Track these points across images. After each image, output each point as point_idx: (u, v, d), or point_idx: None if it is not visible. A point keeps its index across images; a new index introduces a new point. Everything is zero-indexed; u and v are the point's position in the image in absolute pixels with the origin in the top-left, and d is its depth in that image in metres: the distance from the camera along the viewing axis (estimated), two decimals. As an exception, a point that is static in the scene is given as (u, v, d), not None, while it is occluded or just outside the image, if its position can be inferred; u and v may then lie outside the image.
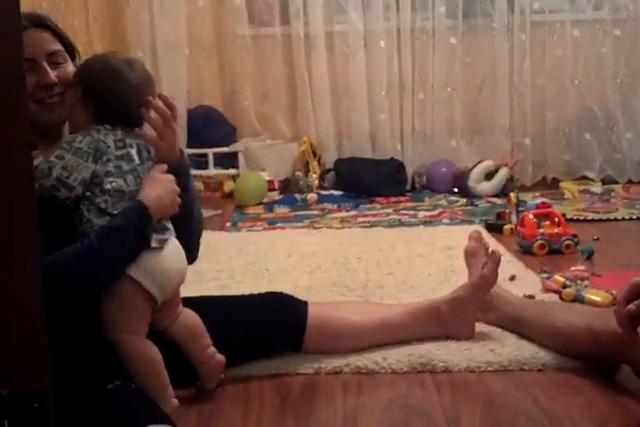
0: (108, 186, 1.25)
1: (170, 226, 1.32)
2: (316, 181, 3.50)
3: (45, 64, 1.29)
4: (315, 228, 2.85)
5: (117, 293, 1.24)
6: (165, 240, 1.28)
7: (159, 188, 1.28)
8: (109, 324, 1.25)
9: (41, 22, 1.31)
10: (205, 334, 1.35)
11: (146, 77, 1.33)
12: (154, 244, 1.26)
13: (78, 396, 1.15)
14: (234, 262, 2.30)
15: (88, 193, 1.24)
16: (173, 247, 1.31)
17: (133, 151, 1.30)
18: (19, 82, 0.79)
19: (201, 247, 1.51)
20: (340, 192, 3.41)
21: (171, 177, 1.32)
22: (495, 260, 1.57)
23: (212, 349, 1.35)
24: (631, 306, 1.17)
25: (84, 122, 1.30)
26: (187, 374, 1.36)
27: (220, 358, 1.36)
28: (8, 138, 0.77)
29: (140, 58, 3.47)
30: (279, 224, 2.93)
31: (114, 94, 1.29)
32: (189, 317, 1.36)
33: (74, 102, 1.31)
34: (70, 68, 1.34)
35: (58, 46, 1.33)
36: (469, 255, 1.68)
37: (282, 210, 3.22)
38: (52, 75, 1.29)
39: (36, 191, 1.18)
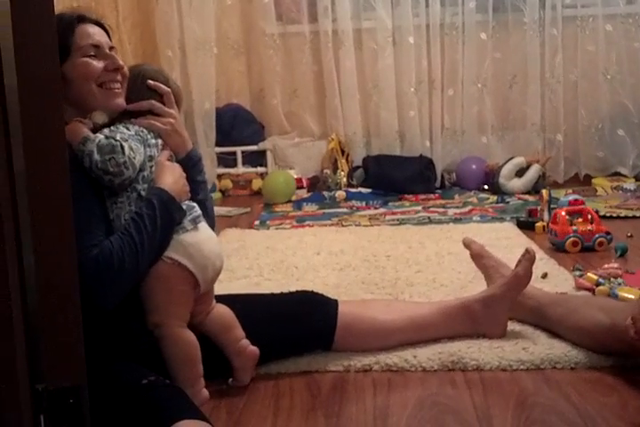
0: (147, 173, 1.29)
1: (197, 208, 1.35)
2: (345, 179, 3.49)
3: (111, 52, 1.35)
4: (343, 225, 2.85)
5: (162, 277, 1.27)
6: (197, 218, 1.32)
7: (170, 174, 1.31)
8: (153, 308, 1.27)
9: (101, 23, 1.38)
10: (238, 326, 1.37)
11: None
12: (188, 225, 1.29)
13: (114, 391, 1.17)
14: (263, 260, 2.31)
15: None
16: (207, 231, 1.34)
17: (160, 141, 1.36)
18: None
19: (230, 245, 1.52)
20: (368, 190, 3.41)
21: (176, 164, 1.36)
22: (530, 259, 1.56)
23: (246, 340, 1.37)
24: None
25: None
26: (218, 371, 1.37)
27: (254, 349, 1.37)
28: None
29: (169, 57, 3.53)
30: (307, 222, 2.93)
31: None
32: (222, 310, 1.38)
33: None
34: (122, 60, 1.39)
35: (114, 45, 1.39)
36: (478, 258, 1.69)
37: (310, 208, 3.22)
38: (120, 61, 1.34)
39: (104, 165, 1.23)
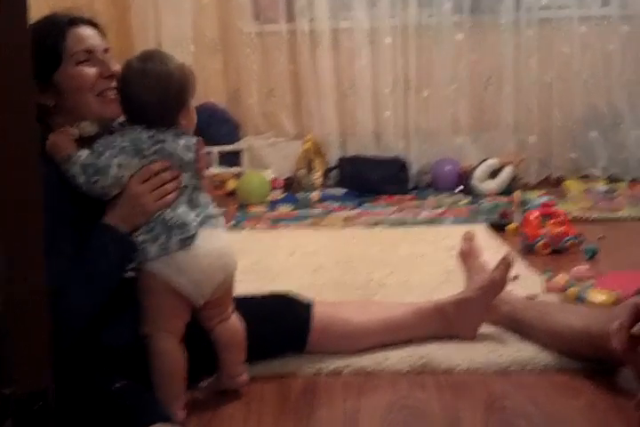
0: None
1: (216, 218, 1.28)
2: (320, 179, 3.49)
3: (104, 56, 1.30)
4: (317, 226, 2.85)
5: (151, 291, 1.25)
6: (188, 238, 1.23)
7: (128, 207, 1.24)
8: (144, 318, 1.26)
9: (94, 23, 1.33)
10: (244, 349, 1.36)
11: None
12: (174, 246, 1.22)
13: (85, 396, 1.16)
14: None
15: None
16: (215, 242, 1.26)
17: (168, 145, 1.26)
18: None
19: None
20: (343, 190, 3.41)
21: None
22: (507, 264, 1.57)
23: (243, 367, 1.36)
24: (637, 328, 1.13)
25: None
26: (190, 376, 1.36)
27: (245, 379, 1.37)
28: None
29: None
30: (282, 223, 2.93)
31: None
32: (236, 327, 1.35)
33: None
34: (119, 66, 1.32)
35: (109, 45, 1.34)
36: (464, 256, 1.68)
37: (285, 208, 3.21)
38: (115, 66, 1.29)
39: (89, 187, 1.20)
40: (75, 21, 1.29)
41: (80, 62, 1.25)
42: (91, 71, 1.26)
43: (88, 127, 1.27)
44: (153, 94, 1.23)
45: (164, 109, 1.25)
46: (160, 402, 1.21)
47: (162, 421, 1.12)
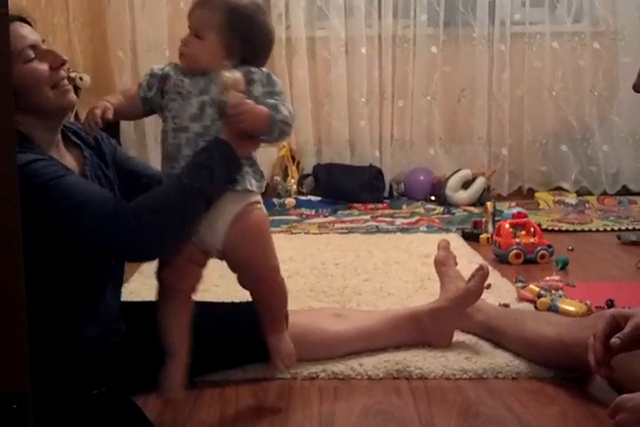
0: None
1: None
2: (295, 187, 3.49)
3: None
4: (292, 233, 2.85)
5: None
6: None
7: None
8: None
9: (23, 18, 1.31)
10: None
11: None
12: (259, 189, 1.27)
13: (64, 401, 1.14)
14: (211, 267, 2.26)
15: None
16: None
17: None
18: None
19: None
20: (318, 198, 3.41)
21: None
22: (483, 275, 1.59)
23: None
24: (615, 340, 1.12)
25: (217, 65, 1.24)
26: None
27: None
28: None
29: (120, 58, 3.46)
30: (256, 228, 2.91)
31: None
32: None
33: (214, 47, 1.25)
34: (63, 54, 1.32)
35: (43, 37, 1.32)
36: (440, 264, 1.70)
37: (259, 214, 3.20)
38: (60, 54, 1.28)
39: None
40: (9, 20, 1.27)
41: (29, 60, 1.24)
42: (42, 66, 1.25)
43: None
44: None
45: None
46: (140, 409, 1.20)
47: None
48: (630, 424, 0.98)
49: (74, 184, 1.18)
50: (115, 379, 1.24)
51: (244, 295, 1.60)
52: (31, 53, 1.24)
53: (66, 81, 1.29)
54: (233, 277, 1.33)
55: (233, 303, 1.54)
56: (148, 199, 1.20)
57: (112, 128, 1.96)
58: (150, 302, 1.50)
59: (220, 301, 1.59)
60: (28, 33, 1.26)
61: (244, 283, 1.32)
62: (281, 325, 1.35)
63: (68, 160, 1.33)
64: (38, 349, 0.95)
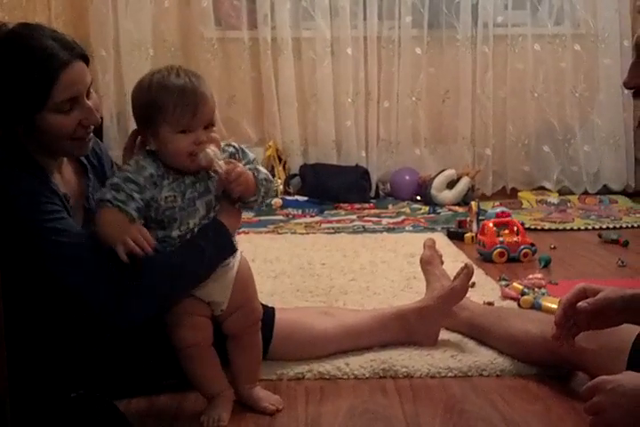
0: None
1: None
2: (281, 187, 3.50)
3: (87, 100, 1.23)
4: (279, 233, 2.86)
5: None
6: None
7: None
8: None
9: (83, 53, 1.25)
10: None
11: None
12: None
13: (42, 403, 1.14)
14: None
15: None
16: None
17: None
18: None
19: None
20: (304, 198, 3.42)
21: None
22: (468, 274, 1.61)
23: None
24: (583, 303, 1.17)
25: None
26: (150, 383, 1.35)
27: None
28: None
29: (102, 57, 3.44)
30: (243, 229, 2.92)
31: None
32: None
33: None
34: (94, 94, 1.27)
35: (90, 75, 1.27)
36: (425, 263, 1.72)
37: (246, 215, 3.20)
38: (96, 114, 1.24)
39: None
40: (68, 62, 1.20)
41: (62, 112, 1.20)
42: (72, 121, 1.21)
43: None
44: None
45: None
46: (120, 412, 1.20)
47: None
48: (606, 407, 0.98)
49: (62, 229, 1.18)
50: (94, 381, 1.24)
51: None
52: (67, 106, 1.20)
53: (89, 136, 1.25)
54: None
55: None
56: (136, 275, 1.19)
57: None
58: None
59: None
60: (77, 81, 1.20)
61: (229, 328, 1.33)
62: (257, 374, 1.38)
63: (72, 183, 1.32)
64: (16, 352, 0.95)
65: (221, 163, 1.21)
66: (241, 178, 1.23)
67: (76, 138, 1.24)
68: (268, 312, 1.51)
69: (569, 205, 3.34)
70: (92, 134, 1.27)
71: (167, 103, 1.17)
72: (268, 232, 2.87)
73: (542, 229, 2.86)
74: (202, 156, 1.20)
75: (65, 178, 1.31)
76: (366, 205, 3.38)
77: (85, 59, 1.25)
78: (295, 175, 3.58)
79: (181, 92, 1.17)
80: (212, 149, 1.21)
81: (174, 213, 1.22)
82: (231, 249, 1.29)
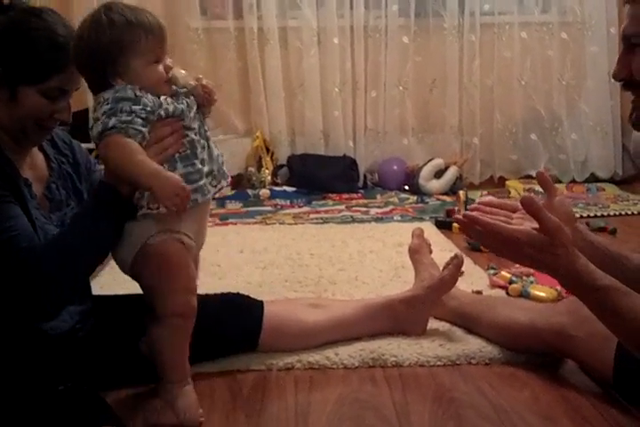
0: None
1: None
2: (269, 177, 3.48)
3: (69, 99, 1.27)
4: (267, 224, 2.85)
5: None
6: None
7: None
8: None
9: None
10: None
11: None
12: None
13: (29, 397, 1.13)
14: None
15: None
16: None
17: None
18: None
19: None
20: (292, 188, 3.41)
21: None
22: (458, 264, 1.61)
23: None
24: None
25: None
26: (140, 375, 1.34)
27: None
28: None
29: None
30: (231, 220, 2.91)
31: None
32: None
33: None
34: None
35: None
36: (414, 252, 1.72)
37: (234, 206, 3.19)
38: (70, 114, 1.28)
39: None
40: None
41: (44, 95, 1.22)
42: (48, 108, 1.23)
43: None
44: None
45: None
46: (108, 405, 1.19)
47: (110, 423, 1.10)
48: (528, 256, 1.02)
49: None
50: (82, 374, 1.23)
51: (211, 287, 1.61)
52: (54, 94, 1.23)
53: (54, 129, 1.30)
54: (203, 269, 1.32)
55: (203, 295, 1.54)
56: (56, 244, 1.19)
57: (81, 118, 1.93)
58: (119, 297, 1.50)
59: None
60: (75, 81, 1.25)
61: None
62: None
63: (38, 166, 1.32)
64: (2, 345, 0.94)
65: (190, 79, 1.28)
66: (210, 86, 1.30)
67: (41, 125, 1.26)
68: (258, 306, 1.51)
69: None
70: (56, 130, 1.32)
71: (138, 37, 1.18)
72: (257, 223, 2.86)
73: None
74: (178, 77, 1.24)
75: (33, 164, 1.31)
76: (354, 195, 3.38)
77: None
78: (283, 166, 3.57)
79: (148, 26, 1.20)
80: (179, 71, 1.27)
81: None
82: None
